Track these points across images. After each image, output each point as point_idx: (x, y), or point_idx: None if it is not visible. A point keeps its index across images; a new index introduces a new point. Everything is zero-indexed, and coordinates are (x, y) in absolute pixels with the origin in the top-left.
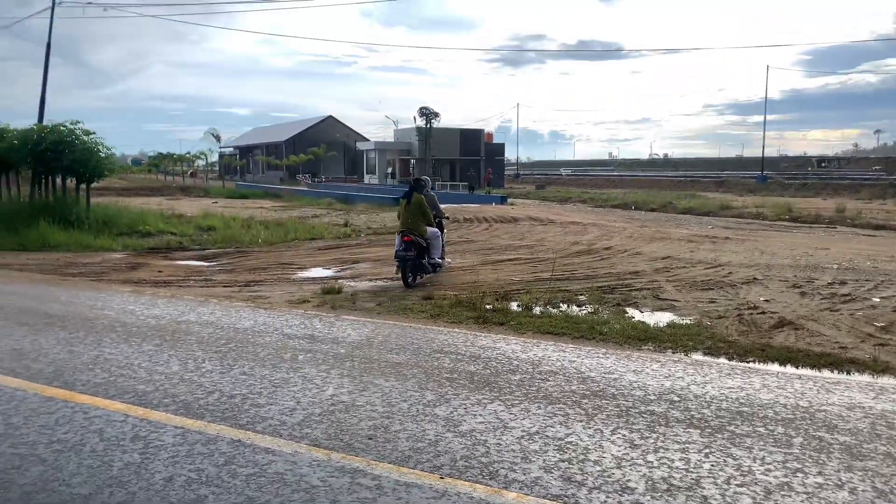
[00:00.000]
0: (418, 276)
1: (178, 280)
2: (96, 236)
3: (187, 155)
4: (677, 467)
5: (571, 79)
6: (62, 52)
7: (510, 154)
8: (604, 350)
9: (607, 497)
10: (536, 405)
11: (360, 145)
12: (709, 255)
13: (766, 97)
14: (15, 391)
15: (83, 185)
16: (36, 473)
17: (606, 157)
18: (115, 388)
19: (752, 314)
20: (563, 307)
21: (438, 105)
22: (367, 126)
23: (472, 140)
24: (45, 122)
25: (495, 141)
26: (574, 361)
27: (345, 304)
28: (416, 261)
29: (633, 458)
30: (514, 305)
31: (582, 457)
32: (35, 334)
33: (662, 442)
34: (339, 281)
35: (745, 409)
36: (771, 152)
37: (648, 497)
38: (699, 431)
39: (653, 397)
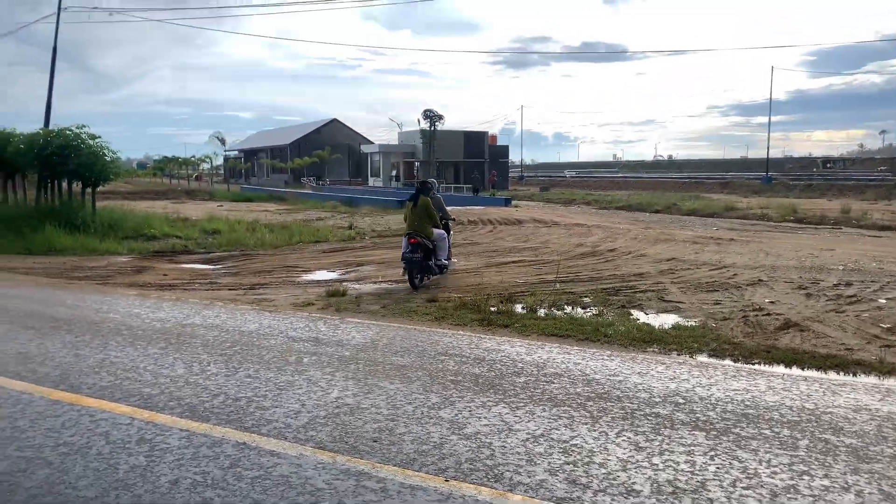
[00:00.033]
0: (425, 278)
1: (183, 283)
2: (102, 240)
3: (192, 158)
4: (683, 470)
5: (575, 80)
6: (68, 57)
7: (514, 156)
8: (608, 352)
9: (612, 500)
10: (541, 407)
11: (365, 148)
12: (713, 256)
13: (770, 98)
14: (21, 394)
15: (89, 189)
16: (42, 476)
17: (611, 159)
18: (120, 391)
19: (757, 316)
20: (568, 309)
21: (442, 108)
22: (372, 129)
23: (476, 142)
24: (51, 127)
25: (499, 143)
26: (579, 364)
27: (349, 307)
28: (422, 262)
29: (638, 461)
30: (518, 307)
31: (587, 459)
32: (41, 338)
33: (668, 444)
34: (344, 284)
35: (751, 411)
36: (776, 153)
37: (654, 500)
38: (704, 434)
39: (658, 399)
